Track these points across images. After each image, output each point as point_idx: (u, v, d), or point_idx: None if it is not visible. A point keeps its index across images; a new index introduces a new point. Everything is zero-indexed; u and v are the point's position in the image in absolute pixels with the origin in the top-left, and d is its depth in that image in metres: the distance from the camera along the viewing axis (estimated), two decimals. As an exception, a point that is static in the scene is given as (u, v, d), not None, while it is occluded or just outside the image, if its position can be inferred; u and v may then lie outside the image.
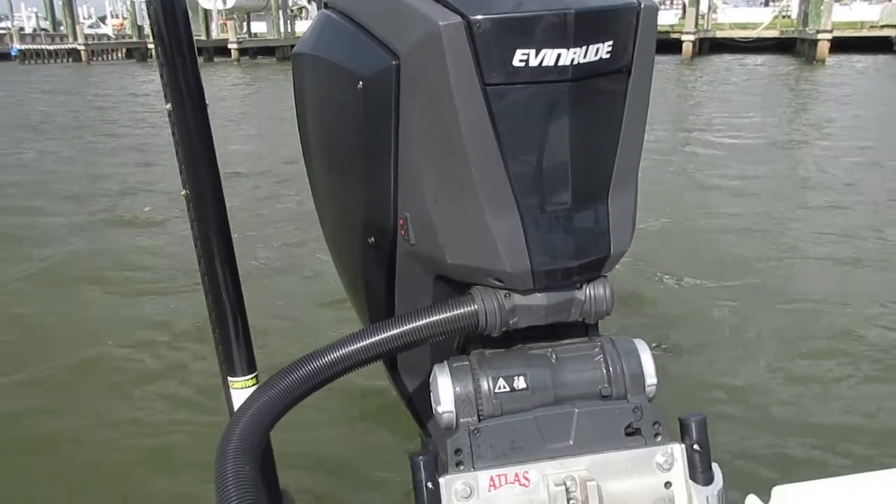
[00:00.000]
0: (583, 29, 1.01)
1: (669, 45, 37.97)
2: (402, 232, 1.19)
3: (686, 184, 9.13)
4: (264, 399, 1.10)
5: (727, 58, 34.79)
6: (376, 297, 1.37)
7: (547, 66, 1.01)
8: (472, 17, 0.99)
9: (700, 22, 36.97)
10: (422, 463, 1.07)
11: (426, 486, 1.07)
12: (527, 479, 1.11)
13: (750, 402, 3.65)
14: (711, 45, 38.05)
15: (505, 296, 1.13)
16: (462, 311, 1.13)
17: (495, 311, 1.13)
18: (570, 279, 1.14)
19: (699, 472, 1.14)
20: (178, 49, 1.17)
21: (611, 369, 1.17)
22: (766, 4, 52.75)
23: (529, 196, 1.08)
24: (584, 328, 1.24)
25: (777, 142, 11.96)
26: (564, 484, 1.10)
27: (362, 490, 2.96)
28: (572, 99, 1.05)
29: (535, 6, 1.01)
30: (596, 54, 1.03)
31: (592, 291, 1.16)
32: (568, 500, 1.09)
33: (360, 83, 1.15)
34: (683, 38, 35.74)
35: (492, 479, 1.10)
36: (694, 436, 1.15)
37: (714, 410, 3.44)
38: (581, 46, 1.01)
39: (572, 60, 1.01)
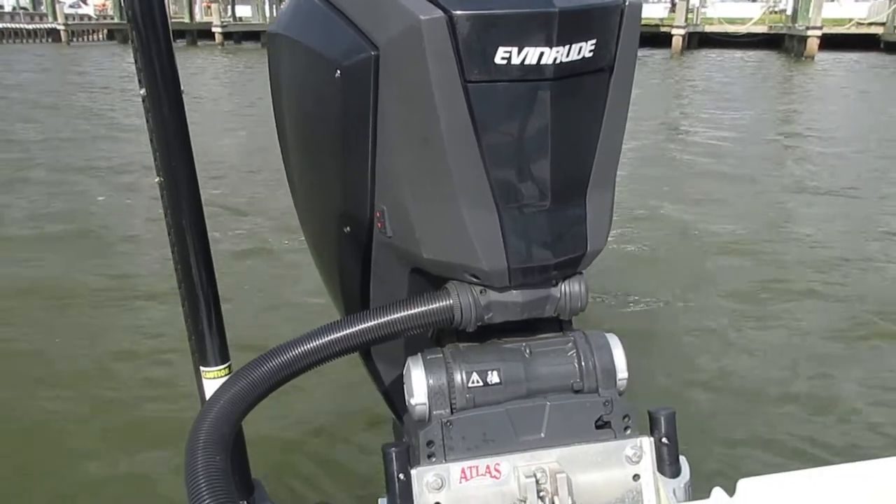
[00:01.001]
0: (567, 28, 1.01)
1: (658, 38, 37.96)
2: (379, 224, 1.20)
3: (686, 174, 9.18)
4: (236, 389, 1.11)
5: (716, 53, 34.91)
6: (351, 287, 1.37)
7: (529, 65, 1.01)
8: (455, 13, 0.98)
9: (689, 16, 36.99)
10: (394, 454, 1.10)
11: (398, 477, 1.09)
12: (498, 471, 1.13)
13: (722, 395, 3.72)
14: (700, 40, 38.14)
15: (480, 292, 1.15)
16: (437, 305, 1.15)
17: (470, 306, 1.14)
18: (546, 276, 1.16)
19: (667, 465, 1.18)
20: (153, 33, 1.16)
21: (583, 363, 1.19)
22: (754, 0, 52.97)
23: (508, 194, 1.09)
24: (559, 323, 1.26)
25: (770, 139, 12.08)
26: (535, 476, 1.12)
27: (335, 479, 2.98)
28: (554, 98, 1.05)
29: (518, 3, 1.00)
30: (579, 53, 1.03)
31: (568, 288, 1.18)
32: (538, 491, 1.12)
33: (338, 72, 1.14)
34: (673, 31, 35.76)
35: (463, 471, 1.12)
36: (663, 429, 1.19)
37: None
38: (564, 45, 1.01)
39: (555, 59, 1.01)
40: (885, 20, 35.94)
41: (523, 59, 1.00)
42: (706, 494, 1.00)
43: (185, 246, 1.26)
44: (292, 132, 1.39)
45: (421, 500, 1.09)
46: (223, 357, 1.33)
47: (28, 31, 45.81)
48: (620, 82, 1.12)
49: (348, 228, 1.28)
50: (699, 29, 38.86)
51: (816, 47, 31.41)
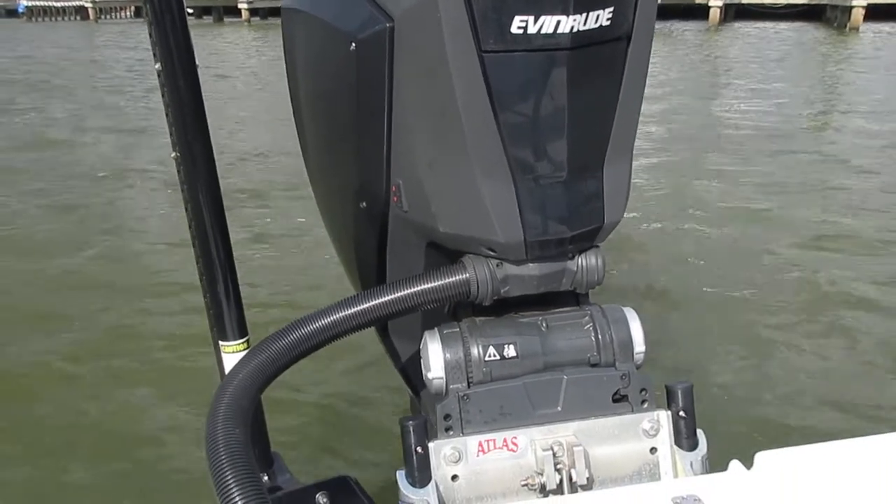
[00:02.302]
0: None
1: (693, 10, 37.09)
2: (395, 199, 1.21)
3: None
4: (255, 363, 1.13)
5: (756, 24, 34.00)
6: (368, 263, 1.39)
7: (546, 34, 1.01)
8: None
9: (726, -13, 36.08)
10: (412, 427, 1.11)
11: (416, 450, 1.11)
12: (515, 444, 1.15)
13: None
14: (737, 12, 37.18)
15: (497, 265, 1.16)
16: (454, 279, 1.16)
17: (487, 280, 1.16)
18: (562, 249, 1.16)
19: (684, 438, 1.19)
20: (167, 7, 1.17)
21: (600, 337, 1.20)
22: (789, -29, 51.40)
23: (524, 165, 1.10)
24: (575, 296, 1.27)
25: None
26: (552, 449, 1.14)
27: (354, 452, 3.03)
28: (571, 67, 1.05)
29: None
30: (596, 21, 1.03)
31: (584, 261, 1.19)
32: (555, 464, 1.13)
33: (353, 44, 1.15)
34: (711, 3, 34.90)
35: (480, 444, 1.14)
36: (680, 403, 1.19)
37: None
38: (581, 13, 1.01)
39: (572, 28, 1.01)
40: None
41: (540, 28, 1.00)
42: (724, 467, 1.01)
43: (202, 221, 1.28)
44: (307, 107, 1.41)
45: (439, 473, 1.12)
46: (241, 331, 1.36)
47: (57, 8, 46.37)
48: (638, 52, 1.11)
49: (364, 203, 1.30)
50: (736, 0, 37.86)
51: (862, 18, 30.42)
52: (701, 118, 11.38)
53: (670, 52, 21.34)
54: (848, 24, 30.58)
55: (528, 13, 0.99)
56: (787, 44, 25.32)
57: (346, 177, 1.33)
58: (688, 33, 29.37)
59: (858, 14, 30.46)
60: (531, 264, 1.16)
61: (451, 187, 1.12)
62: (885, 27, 30.35)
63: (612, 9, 1.04)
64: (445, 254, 1.22)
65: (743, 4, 37.77)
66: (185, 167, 1.25)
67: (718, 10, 34.85)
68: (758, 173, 7.72)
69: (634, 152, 1.20)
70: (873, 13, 31.09)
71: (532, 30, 1.00)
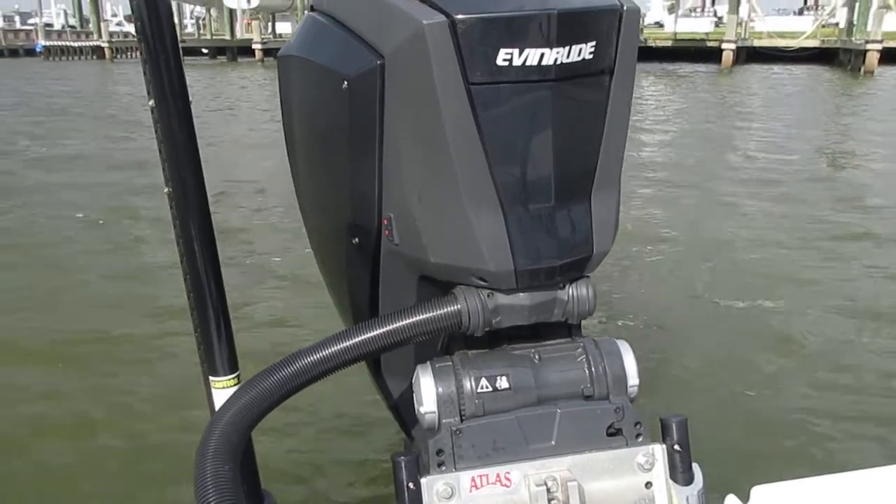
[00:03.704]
0: (565, 29, 1.05)
1: (705, 53, 37.68)
2: (387, 232, 1.23)
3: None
4: (245, 399, 1.13)
5: (767, 67, 34.37)
6: (360, 299, 1.41)
7: (530, 66, 1.05)
8: (456, 16, 1.03)
9: (737, 30, 36.59)
10: (403, 463, 1.11)
11: (408, 486, 1.11)
12: (508, 479, 1.14)
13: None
14: (749, 55, 37.67)
15: (488, 295, 1.17)
16: (445, 310, 1.17)
17: (478, 310, 1.16)
18: (553, 279, 1.17)
19: (679, 473, 1.18)
20: (161, 44, 1.20)
21: (593, 370, 1.20)
22: (800, 13, 52.18)
23: (513, 195, 1.12)
24: (568, 329, 1.27)
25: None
26: (545, 484, 1.13)
27: (345, 491, 3.00)
28: (556, 99, 1.09)
29: (518, 6, 1.05)
30: (579, 55, 1.07)
31: (575, 291, 1.20)
32: (549, 500, 1.13)
33: (346, 83, 1.19)
34: (724, 46, 35.38)
35: (473, 479, 1.13)
36: (675, 436, 1.19)
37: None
38: (564, 46, 1.05)
39: (555, 60, 1.05)
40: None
41: (525, 60, 1.04)
42: (720, 502, 1.00)
43: (194, 256, 1.29)
44: (302, 149, 1.45)
45: None
46: (232, 367, 1.35)
47: (74, 48, 47.76)
48: (621, 85, 1.15)
49: (357, 240, 1.32)
50: (748, 43, 38.41)
51: (876, 62, 30.66)
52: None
53: (688, 91, 21.59)
54: (862, 68, 30.82)
55: (513, 46, 1.03)
56: (807, 87, 25.39)
57: (339, 213, 1.35)
58: (700, 75, 29.68)
59: (873, 58, 30.70)
60: (522, 294, 1.17)
61: (441, 218, 1.14)
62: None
63: (594, 43, 1.09)
64: (437, 287, 1.23)
65: (755, 48, 38.30)
66: (178, 203, 1.27)
67: (731, 53, 35.28)
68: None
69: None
70: (887, 57, 31.37)
71: (517, 62, 1.04)
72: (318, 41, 1.33)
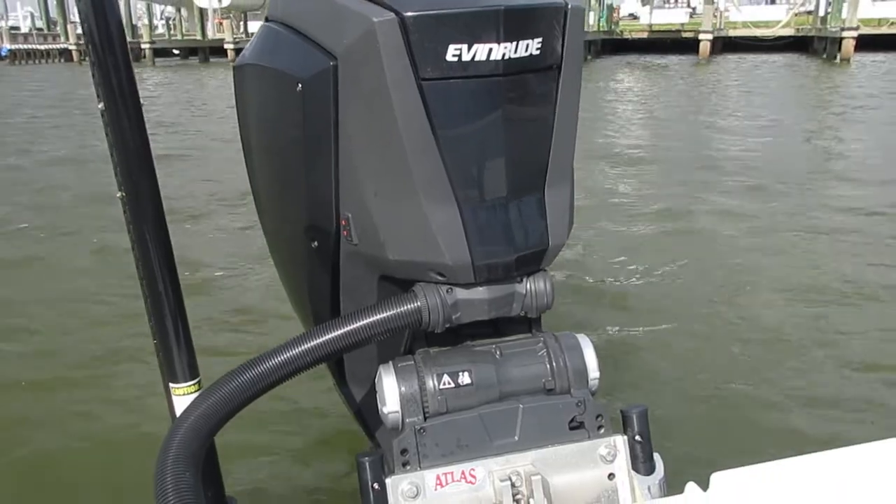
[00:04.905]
0: (512, 24, 1.08)
1: (681, 44, 38.03)
2: (345, 232, 1.25)
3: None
4: (206, 405, 1.14)
5: (745, 57, 34.70)
6: (321, 303, 1.41)
7: (479, 61, 1.08)
8: (406, 14, 1.05)
9: (713, 20, 36.93)
10: (367, 463, 1.12)
11: (372, 486, 1.12)
12: (473, 476, 1.16)
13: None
14: (725, 44, 38.05)
15: (447, 291, 1.19)
16: (405, 308, 1.18)
17: (438, 306, 1.18)
18: (510, 272, 1.19)
19: (641, 463, 1.21)
20: (109, 47, 1.19)
21: (554, 364, 1.23)
22: (772, 2, 52.78)
23: (467, 189, 1.14)
24: (528, 324, 1.29)
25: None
26: (510, 479, 1.15)
27: (312, 495, 3.00)
28: (505, 93, 1.12)
29: (465, 3, 1.08)
30: (526, 50, 1.10)
31: (533, 285, 1.22)
32: (514, 495, 1.14)
33: (300, 85, 1.21)
34: (701, 37, 35.70)
35: (438, 477, 1.15)
36: (636, 427, 1.21)
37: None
38: (511, 42, 1.08)
39: (503, 55, 1.08)
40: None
41: (473, 56, 1.07)
42: (680, 490, 1.02)
43: (150, 261, 1.29)
44: (259, 156, 1.46)
45: None
46: (192, 373, 1.35)
47: (40, 51, 47.13)
48: (569, 80, 1.18)
49: (316, 242, 1.33)
50: (724, 33, 38.79)
51: (853, 49, 31.02)
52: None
53: (667, 83, 21.68)
54: (838, 55, 31.20)
55: (461, 41, 1.06)
56: (789, 75, 25.58)
57: (297, 218, 1.36)
58: (678, 66, 29.91)
59: (849, 45, 31.07)
60: (480, 289, 1.19)
61: (398, 215, 1.15)
62: (878, 56, 30.93)
63: (540, 39, 1.12)
64: (398, 286, 1.25)
65: (731, 37, 38.69)
66: (132, 207, 1.26)
67: (709, 44, 35.60)
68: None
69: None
70: (863, 44, 31.79)
71: (466, 57, 1.07)
72: (273, 48, 1.35)
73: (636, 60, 33.11)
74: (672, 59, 33.49)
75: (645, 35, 42.54)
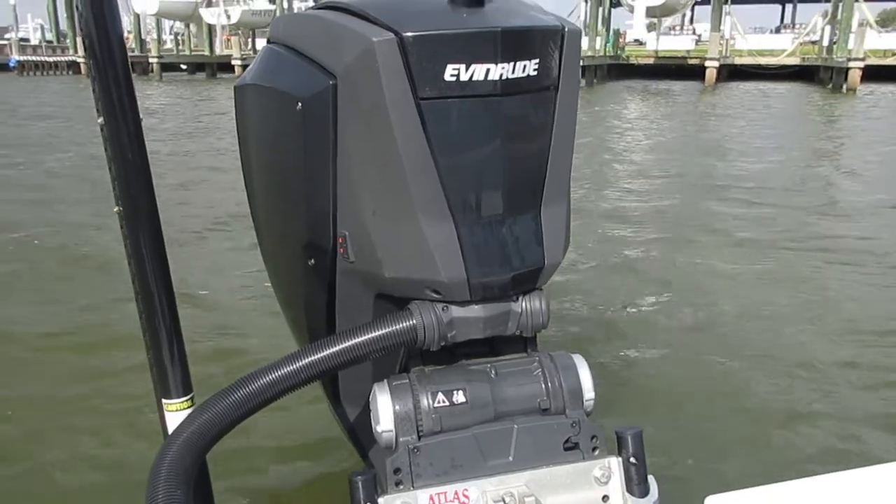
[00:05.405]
0: (509, 46, 1.10)
1: (685, 70, 38.25)
2: (342, 250, 1.25)
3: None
4: (199, 422, 1.14)
5: (750, 84, 34.85)
6: (317, 321, 1.42)
7: (477, 81, 1.09)
8: (405, 34, 1.07)
9: (719, 48, 37.16)
10: (360, 482, 1.12)
11: None
12: (466, 496, 1.15)
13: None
14: (730, 72, 38.27)
15: (443, 309, 1.19)
16: (400, 325, 1.19)
17: (433, 324, 1.18)
18: (505, 290, 1.20)
19: (635, 485, 1.20)
20: (110, 62, 1.20)
21: (549, 384, 1.23)
22: (778, 31, 53.31)
23: (464, 207, 1.15)
24: (523, 343, 1.29)
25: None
26: (503, 500, 1.14)
27: None
28: (502, 113, 1.13)
29: (464, 24, 1.10)
30: (523, 71, 1.12)
31: (528, 304, 1.22)
32: None
33: (300, 104, 1.23)
34: (707, 63, 35.86)
35: (431, 497, 1.14)
36: (630, 449, 1.21)
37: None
38: (509, 62, 1.10)
39: (501, 76, 1.10)
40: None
41: (471, 76, 1.09)
42: None
43: (146, 276, 1.29)
44: (259, 176, 1.48)
45: None
46: (186, 389, 1.35)
47: (49, 63, 47.52)
48: (566, 101, 1.20)
49: (313, 261, 1.33)
50: (730, 61, 39.01)
51: (859, 79, 31.18)
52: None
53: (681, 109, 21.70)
54: (845, 86, 31.31)
55: (459, 62, 1.08)
56: (796, 104, 25.56)
57: (295, 235, 1.37)
58: (683, 93, 30.03)
59: (856, 75, 31.19)
60: (476, 307, 1.19)
61: (395, 232, 1.16)
62: (886, 88, 30.99)
63: (537, 60, 1.14)
64: (394, 304, 1.25)
65: (737, 65, 38.91)
66: (129, 222, 1.27)
67: (715, 71, 35.79)
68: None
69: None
70: (868, 74, 31.95)
71: (464, 77, 1.09)
72: (273, 69, 1.37)
73: (645, 86, 33.28)
74: (679, 86, 33.62)
75: (651, 61, 42.81)
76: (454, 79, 1.08)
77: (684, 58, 41.31)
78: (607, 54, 41.93)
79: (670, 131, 17.23)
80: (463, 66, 1.08)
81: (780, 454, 3.33)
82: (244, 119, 1.48)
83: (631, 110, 23.71)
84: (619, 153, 13.28)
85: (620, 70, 41.85)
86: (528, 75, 1.13)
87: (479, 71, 1.09)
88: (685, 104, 26.13)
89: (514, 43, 1.11)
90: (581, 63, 1.23)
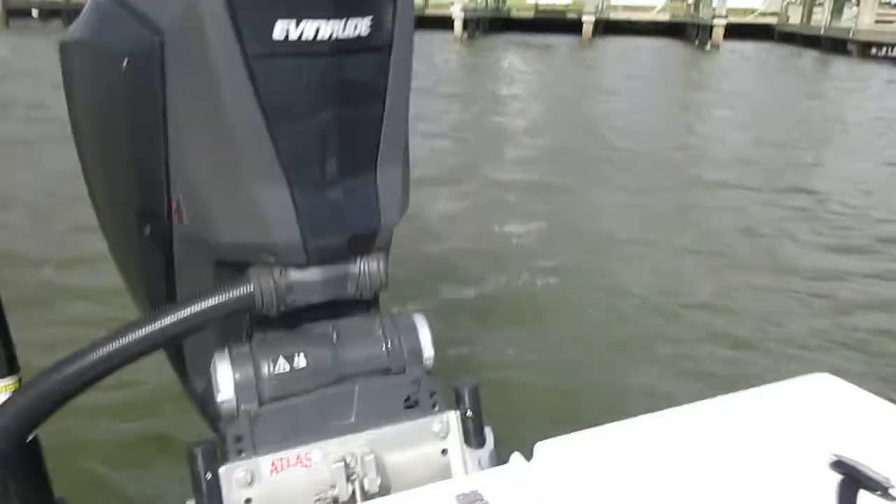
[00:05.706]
0: (341, 2, 1.07)
1: (563, 24, 39.12)
2: (176, 216, 1.21)
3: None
4: (21, 402, 1.09)
5: (624, 40, 36.07)
6: (156, 290, 1.37)
7: (307, 40, 1.06)
8: None
9: (595, 2, 38.17)
10: (199, 453, 1.09)
11: (205, 476, 1.09)
12: (308, 459, 1.16)
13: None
14: (605, 27, 39.45)
15: (280, 273, 1.18)
16: (237, 291, 1.16)
17: (271, 289, 1.17)
18: (342, 252, 1.20)
19: (472, 437, 1.24)
20: None
21: (390, 344, 1.25)
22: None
23: (297, 169, 1.13)
24: (366, 308, 1.30)
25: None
26: (344, 460, 1.16)
27: (150, 490, 2.90)
28: (334, 73, 1.11)
29: None
30: (355, 29, 1.10)
31: (366, 266, 1.23)
32: (347, 476, 1.15)
33: (126, 62, 1.15)
34: (584, 18, 36.81)
35: (273, 463, 1.14)
36: (467, 402, 1.25)
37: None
38: (340, 19, 1.07)
39: (331, 35, 1.07)
40: (778, 11, 38.93)
41: (301, 34, 1.05)
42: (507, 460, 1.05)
43: None
44: (89, 140, 1.39)
45: (230, 498, 1.10)
46: (11, 368, 1.27)
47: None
48: (400, 61, 1.19)
49: (148, 228, 1.28)
50: (605, 16, 40.19)
51: (722, 36, 33.06)
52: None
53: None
54: (709, 42, 33.12)
55: (288, 17, 1.04)
56: (669, 58, 26.85)
57: (129, 202, 1.31)
58: (562, 46, 30.74)
59: (720, 32, 33.11)
60: (313, 269, 1.18)
61: (229, 196, 1.13)
62: (746, 46, 33.10)
63: (370, 17, 1.11)
64: (235, 272, 1.22)
65: (611, 20, 40.16)
66: None
67: (591, 26, 36.73)
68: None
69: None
70: (731, 31, 33.92)
71: (293, 35, 1.05)
72: (99, 24, 1.27)
73: (525, 40, 33.75)
74: (558, 40, 34.27)
75: (531, 14, 43.33)
76: (283, 37, 1.05)
77: (563, 12, 42.07)
78: (489, 8, 42.03)
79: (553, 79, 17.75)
80: (293, 23, 1.04)
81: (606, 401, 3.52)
82: (71, 80, 1.38)
83: (514, 62, 24.08)
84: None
85: (501, 23, 42.12)
86: (360, 35, 1.11)
87: (309, 29, 1.05)
88: (563, 59, 26.83)
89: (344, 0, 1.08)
90: (413, 22, 1.20)
